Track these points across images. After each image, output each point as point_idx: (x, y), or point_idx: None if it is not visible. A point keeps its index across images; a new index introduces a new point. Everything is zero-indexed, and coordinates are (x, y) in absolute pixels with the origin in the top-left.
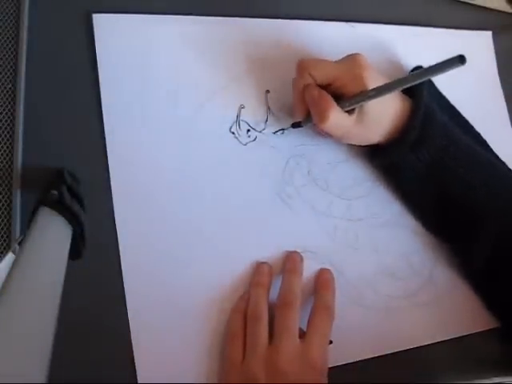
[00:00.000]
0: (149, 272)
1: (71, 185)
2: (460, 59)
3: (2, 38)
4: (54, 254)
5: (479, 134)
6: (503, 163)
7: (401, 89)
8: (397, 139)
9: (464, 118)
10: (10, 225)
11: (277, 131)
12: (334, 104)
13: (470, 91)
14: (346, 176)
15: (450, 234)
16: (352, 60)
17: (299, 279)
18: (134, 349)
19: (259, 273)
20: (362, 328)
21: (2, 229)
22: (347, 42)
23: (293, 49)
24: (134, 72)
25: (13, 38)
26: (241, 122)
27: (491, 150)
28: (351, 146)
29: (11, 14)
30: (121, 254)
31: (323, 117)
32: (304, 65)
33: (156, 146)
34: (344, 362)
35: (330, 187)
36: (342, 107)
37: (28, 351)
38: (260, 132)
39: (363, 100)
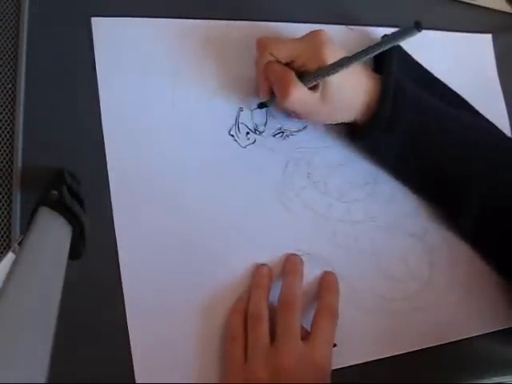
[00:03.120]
0: (147, 273)
1: (71, 185)
2: (416, 26)
3: (2, 38)
4: (54, 254)
5: (459, 96)
6: (492, 126)
7: (359, 62)
8: (369, 123)
9: (441, 82)
10: (10, 225)
11: (276, 134)
12: (296, 80)
13: (469, 94)
14: (345, 179)
15: (437, 200)
16: (312, 36)
17: (299, 280)
18: (133, 349)
19: (259, 274)
20: (361, 331)
21: (2, 229)
22: (346, 44)
23: None
24: (133, 75)
25: (13, 38)
26: (240, 125)
27: (474, 110)
28: (351, 149)
29: (11, 14)
30: (119, 255)
31: (285, 93)
32: (264, 43)
33: (155, 148)
34: (344, 365)
35: (329, 190)
36: (304, 84)
37: (28, 351)
38: (259, 135)
39: (322, 75)
